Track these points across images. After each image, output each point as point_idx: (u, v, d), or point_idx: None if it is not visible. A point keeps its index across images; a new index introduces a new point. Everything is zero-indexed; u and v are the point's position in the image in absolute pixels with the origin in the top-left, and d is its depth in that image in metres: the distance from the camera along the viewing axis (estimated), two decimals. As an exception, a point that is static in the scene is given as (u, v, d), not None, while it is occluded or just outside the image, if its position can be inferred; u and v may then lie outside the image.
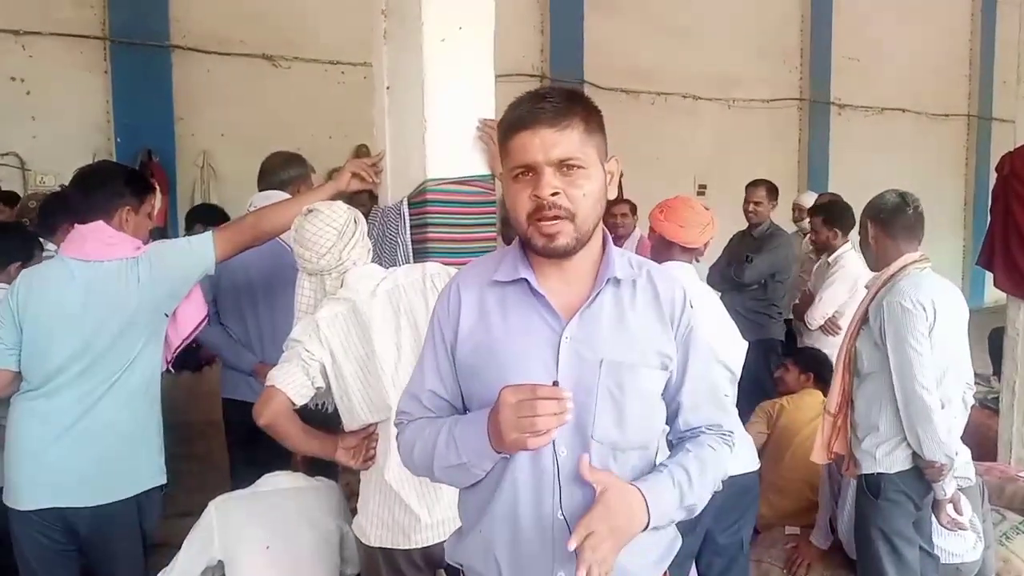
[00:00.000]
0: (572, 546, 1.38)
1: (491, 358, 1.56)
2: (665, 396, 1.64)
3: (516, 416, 1.36)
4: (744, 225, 5.68)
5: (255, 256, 3.14)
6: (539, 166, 1.46)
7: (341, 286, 2.37)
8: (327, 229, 2.36)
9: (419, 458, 1.61)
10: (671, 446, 1.69)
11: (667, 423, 1.68)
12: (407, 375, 2.24)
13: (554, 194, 1.46)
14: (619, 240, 6.01)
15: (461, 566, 1.69)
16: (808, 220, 5.53)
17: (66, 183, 2.91)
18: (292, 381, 2.25)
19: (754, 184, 5.57)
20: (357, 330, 2.30)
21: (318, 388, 2.30)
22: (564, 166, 1.46)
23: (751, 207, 5.47)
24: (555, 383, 1.38)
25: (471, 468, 1.52)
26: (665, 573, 1.67)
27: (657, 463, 1.62)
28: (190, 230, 5.24)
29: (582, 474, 1.43)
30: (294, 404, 2.25)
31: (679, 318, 1.61)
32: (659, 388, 1.60)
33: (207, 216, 5.30)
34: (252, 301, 3.35)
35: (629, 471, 1.55)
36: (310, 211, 2.42)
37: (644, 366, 1.56)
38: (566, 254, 1.51)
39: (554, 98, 1.48)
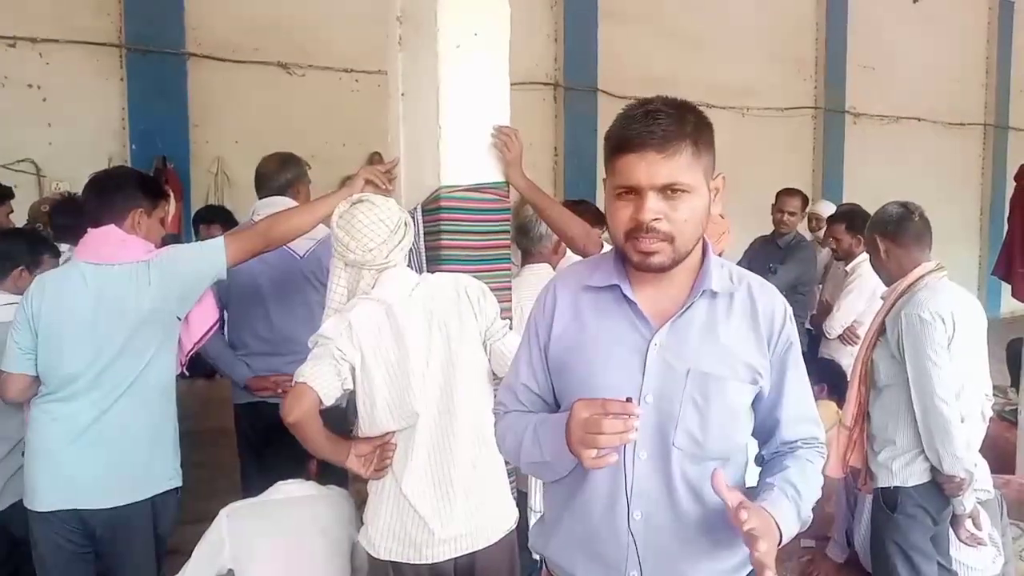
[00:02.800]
0: (743, 517, 1.37)
1: (581, 359, 1.60)
2: (759, 412, 1.64)
3: (583, 432, 1.40)
4: (757, 232, 5.63)
5: (263, 266, 3.14)
6: (643, 190, 1.46)
7: (373, 287, 2.32)
8: (379, 224, 2.30)
9: (510, 449, 1.70)
10: (761, 461, 1.70)
11: (760, 438, 1.68)
12: (435, 384, 2.25)
13: (655, 219, 1.47)
14: None
15: (545, 558, 1.74)
16: (827, 229, 5.46)
17: (80, 190, 2.91)
18: (323, 380, 2.19)
19: (789, 193, 5.47)
20: (390, 333, 2.25)
21: (347, 390, 2.24)
22: (668, 190, 1.46)
23: (784, 216, 5.37)
24: (628, 399, 1.39)
25: (553, 467, 1.59)
26: None
27: (743, 477, 1.65)
28: (197, 232, 5.26)
29: (716, 488, 1.44)
30: (322, 404, 2.19)
31: (777, 334, 1.61)
32: (746, 401, 1.60)
33: (214, 217, 5.33)
34: (264, 311, 3.34)
35: (707, 480, 1.55)
36: (360, 200, 2.36)
37: (732, 379, 1.56)
38: (661, 271, 1.53)
39: (664, 119, 1.46)
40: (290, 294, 3.30)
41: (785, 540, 1.48)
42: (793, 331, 1.64)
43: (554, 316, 1.66)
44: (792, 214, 5.37)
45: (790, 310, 1.65)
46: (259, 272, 3.27)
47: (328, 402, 2.21)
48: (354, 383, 2.25)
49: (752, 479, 1.70)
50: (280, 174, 3.38)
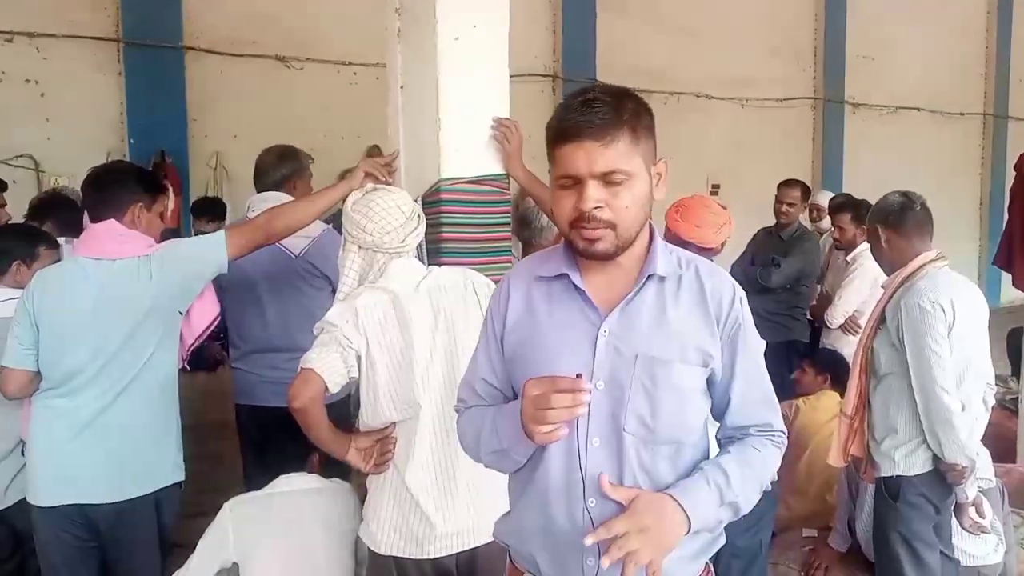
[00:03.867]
0: (588, 541, 1.43)
1: (534, 349, 1.62)
2: (713, 395, 1.66)
3: (534, 408, 1.43)
4: (758, 224, 5.62)
5: (256, 264, 3.12)
6: (583, 178, 1.49)
7: (381, 275, 2.33)
8: (396, 209, 2.36)
9: (470, 443, 1.71)
10: (720, 444, 1.71)
11: (716, 420, 1.70)
12: (438, 375, 2.25)
13: (597, 207, 1.49)
14: None
15: (507, 546, 1.75)
16: (829, 218, 5.44)
17: (79, 185, 2.90)
18: (330, 367, 2.18)
19: (788, 184, 5.45)
20: (395, 323, 2.25)
21: (352, 378, 2.24)
22: (607, 178, 1.49)
23: (784, 207, 5.35)
24: (578, 376, 1.42)
25: (511, 454, 1.61)
26: (707, 566, 1.69)
27: (702, 461, 1.65)
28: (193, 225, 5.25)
29: (605, 492, 1.48)
30: (327, 391, 2.19)
31: (726, 315, 1.62)
32: (697, 385, 1.61)
33: (210, 210, 5.31)
34: (260, 310, 3.33)
35: (662, 463, 1.59)
36: (376, 189, 2.43)
37: (681, 362, 1.57)
38: (606, 257, 1.55)
39: (601, 107, 1.48)
40: (285, 293, 3.28)
41: (699, 526, 1.51)
42: (744, 313, 1.64)
43: (508, 308, 1.68)
44: (792, 205, 5.34)
45: (740, 292, 1.66)
46: (253, 270, 3.25)
47: (334, 389, 2.20)
48: (359, 371, 2.24)
49: None
50: (276, 169, 3.36)
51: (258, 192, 3.36)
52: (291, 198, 3.18)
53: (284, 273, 3.26)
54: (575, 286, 1.60)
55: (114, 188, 2.62)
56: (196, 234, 3.04)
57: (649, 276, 1.59)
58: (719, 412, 1.68)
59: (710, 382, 1.63)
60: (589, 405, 1.50)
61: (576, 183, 1.50)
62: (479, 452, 1.68)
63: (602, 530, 1.42)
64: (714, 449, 1.71)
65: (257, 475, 3.16)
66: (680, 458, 1.60)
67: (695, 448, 1.65)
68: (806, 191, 5.51)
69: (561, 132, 1.50)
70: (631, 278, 1.60)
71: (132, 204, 2.61)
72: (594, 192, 1.48)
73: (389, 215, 2.34)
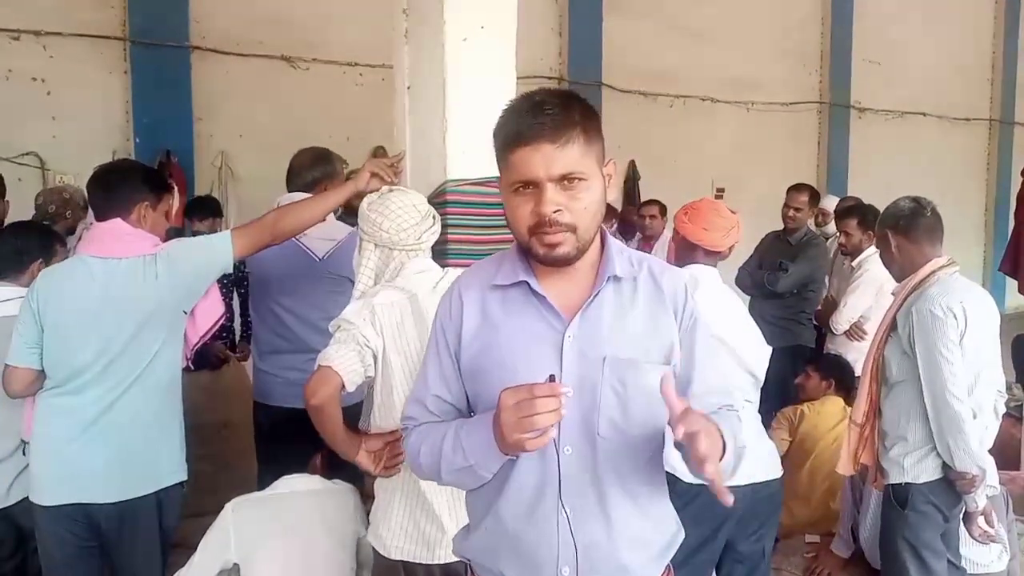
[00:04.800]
0: (678, 435, 1.36)
1: (495, 360, 1.58)
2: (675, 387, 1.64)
3: (516, 417, 1.38)
4: (763, 227, 5.61)
5: (282, 265, 3.13)
6: (541, 183, 1.46)
7: (399, 274, 2.32)
8: (412, 208, 2.38)
9: (425, 462, 1.63)
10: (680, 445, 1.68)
11: None
12: None
13: (556, 211, 1.47)
14: (648, 241, 5.97)
15: (469, 562, 1.71)
16: (835, 223, 5.41)
17: (85, 184, 2.90)
18: (348, 365, 2.16)
19: (797, 188, 5.40)
20: (412, 323, 2.24)
21: (368, 376, 2.22)
22: (565, 180, 1.47)
23: (791, 212, 5.31)
24: (551, 377, 1.39)
25: (478, 471, 1.54)
26: (667, 568, 1.67)
27: (661, 459, 1.63)
28: (203, 222, 5.21)
29: (665, 394, 1.40)
30: (344, 388, 2.17)
31: (682, 310, 1.63)
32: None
33: (205, 210, 5.27)
34: (280, 313, 3.33)
35: (629, 465, 1.57)
36: (391, 190, 2.46)
37: (647, 361, 1.56)
38: (567, 263, 1.53)
39: (553, 109, 1.47)
40: (308, 295, 3.26)
41: (727, 460, 1.47)
42: (696, 307, 1.66)
43: (463, 320, 1.63)
44: (799, 209, 5.30)
45: (690, 287, 1.67)
46: (276, 272, 3.26)
47: (351, 388, 2.19)
48: (375, 370, 2.23)
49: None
50: (309, 171, 3.33)
51: (288, 192, 3.34)
52: None
53: (307, 276, 3.24)
54: (535, 292, 1.57)
55: (120, 187, 2.62)
56: (192, 234, 3.02)
57: (608, 278, 1.57)
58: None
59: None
60: None
61: (533, 187, 1.47)
62: (438, 471, 1.60)
63: (679, 429, 1.36)
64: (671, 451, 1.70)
65: (269, 474, 3.18)
66: (649, 459, 1.59)
67: (658, 449, 1.62)
68: (815, 196, 5.48)
69: (515, 136, 1.48)
70: (588, 281, 1.58)
71: (138, 203, 2.61)
72: (553, 195, 1.46)
73: (405, 213, 2.36)
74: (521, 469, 1.56)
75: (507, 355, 1.57)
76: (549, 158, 1.45)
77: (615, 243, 1.63)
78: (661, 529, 1.65)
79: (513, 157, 1.48)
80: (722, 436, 1.44)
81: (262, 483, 3.05)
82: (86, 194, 2.90)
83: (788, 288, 5.04)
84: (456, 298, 1.66)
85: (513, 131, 1.48)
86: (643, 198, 8.93)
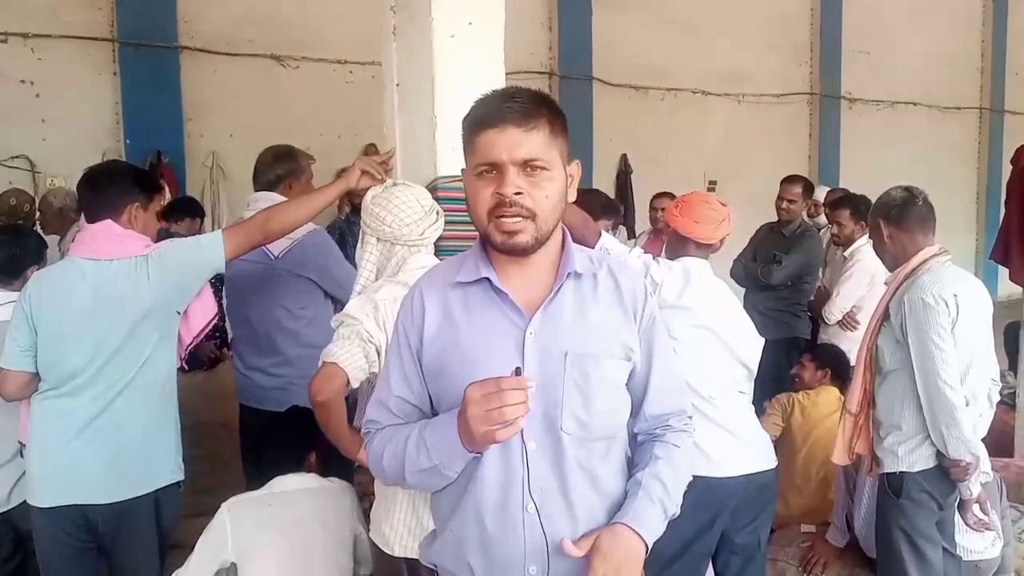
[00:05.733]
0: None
1: (458, 358, 1.58)
2: (631, 387, 1.67)
3: (484, 410, 1.39)
4: (756, 220, 5.61)
5: (242, 265, 3.12)
6: (504, 165, 1.48)
7: (400, 269, 2.32)
8: (415, 203, 2.39)
9: (388, 465, 1.61)
10: (633, 439, 1.72)
11: (632, 414, 1.69)
12: None
13: (517, 193, 1.48)
14: (659, 234, 5.97)
15: (435, 566, 1.71)
16: (826, 214, 5.40)
17: (75, 186, 2.90)
18: (352, 361, 2.16)
19: (791, 180, 5.39)
20: None
21: (372, 373, 2.21)
22: (528, 166, 1.49)
23: (785, 204, 5.29)
24: (517, 369, 1.41)
25: (442, 470, 1.54)
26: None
27: (624, 453, 1.68)
28: (179, 223, 5.13)
29: (569, 553, 1.49)
30: (349, 385, 2.17)
31: (641, 309, 1.65)
32: (623, 378, 1.64)
33: (181, 212, 5.20)
34: (245, 313, 3.36)
35: (596, 460, 1.60)
36: (395, 184, 2.46)
37: (608, 356, 1.59)
38: (525, 252, 1.54)
39: (522, 98, 1.50)
40: (267, 294, 3.27)
41: (652, 544, 1.54)
42: (655, 306, 1.70)
43: (424, 319, 1.62)
44: (792, 201, 5.28)
45: (650, 286, 1.70)
46: (238, 271, 3.25)
47: (355, 384, 2.19)
48: (379, 366, 2.22)
49: None
50: (271, 169, 3.36)
51: (255, 191, 3.36)
52: (283, 198, 3.18)
53: (265, 274, 3.26)
54: (495, 289, 1.57)
55: (110, 188, 2.61)
56: (169, 235, 3.01)
57: (568, 274, 1.59)
58: (636, 404, 1.69)
59: (630, 375, 1.66)
60: None
61: (496, 171, 1.49)
62: (401, 472, 1.58)
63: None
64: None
65: (252, 474, 3.18)
66: (611, 453, 1.63)
67: (622, 441, 1.68)
68: (808, 187, 5.47)
69: (482, 119, 1.50)
70: (549, 278, 1.60)
71: (129, 204, 2.61)
72: (515, 178, 1.48)
73: (408, 208, 2.36)
74: (486, 467, 1.55)
75: (469, 353, 1.57)
76: (514, 141, 1.47)
77: (573, 243, 1.65)
78: None
79: (479, 139, 1.50)
80: (644, 540, 1.52)
81: (248, 483, 3.06)
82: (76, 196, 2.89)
83: (783, 280, 5.05)
84: (417, 298, 1.65)
85: (481, 114, 1.51)
86: (635, 192, 8.97)
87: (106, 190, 2.61)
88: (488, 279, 1.58)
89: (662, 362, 1.69)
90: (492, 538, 1.57)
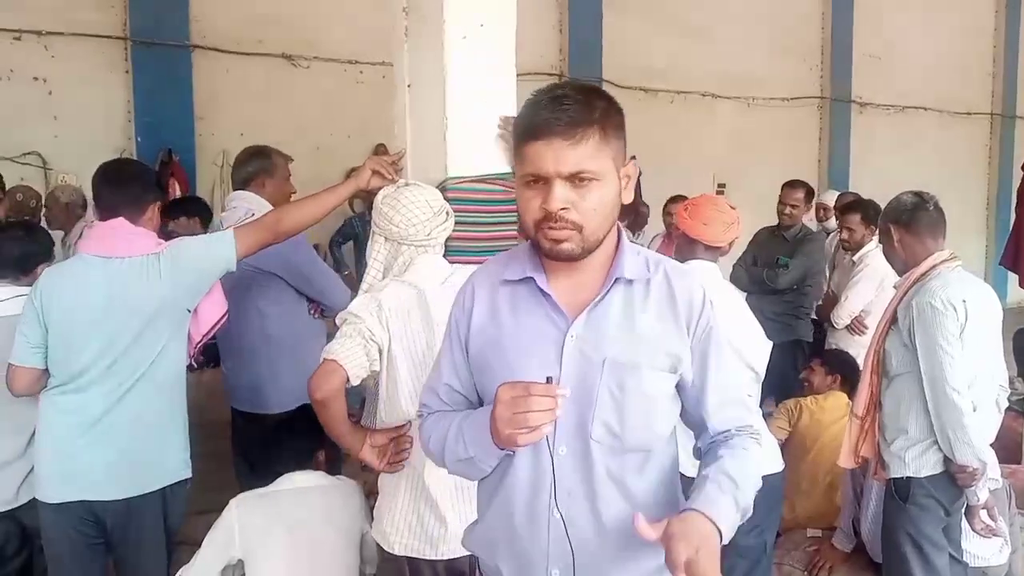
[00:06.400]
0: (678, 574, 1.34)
1: (499, 354, 1.59)
2: (686, 401, 1.62)
3: (510, 413, 1.40)
4: (764, 223, 5.60)
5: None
6: (550, 178, 1.45)
7: (407, 269, 2.32)
8: (424, 204, 2.38)
9: (435, 450, 1.66)
10: (699, 454, 1.67)
11: (693, 429, 1.66)
12: None
13: (564, 208, 1.45)
14: (672, 238, 5.97)
15: (474, 555, 1.74)
16: (837, 219, 5.39)
17: (86, 183, 2.90)
18: (353, 359, 2.16)
19: (792, 185, 5.40)
20: (419, 318, 2.24)
21: (373, 371, 2.22)
22: (575, 178, 1.45)
23: (788, 209, 5.30)
24: (548, 379, 1.40)
25: (477, 463, 1.57)
26: None
27: (671, 468, 1.62)
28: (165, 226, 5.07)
29: (641, 533, 1.39)
30: (349, 383, 2.17)
31: (696, 319, 1.58)
32: (665, 390, 1.58)
33: (180, 211, 5.13)
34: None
35: (630, 472, 1.56)
36: (407, 184, 2.46)
37: (649, 367, 1.54)
38: (571, 259, 1.51)
39: (571, 105, 1.44)
40: (236, 293, 3.25)
41: (726, 537, 1.44)
42: (713, 315, 1.60)
43: (472, 313, 1.64)
44: (795, 207, 5.30)
45: (709, 294, 1.62)
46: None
47: (355, 382, 2.19)
48: (380, 365, 2.23)
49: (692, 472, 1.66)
50: (243, 167, 3.39)
51: (233, 190, 3.41)
52: (258, 196, 3.24)
53: (238, 277, 3.22)
54: (541, 290, 1.56)
55: (135, 185, 2.64)
56: (169, 235, 3.01)
57: (616, 279, 1.55)
58: (696, 419, 1.64)
59: (681, 387, 1.60)
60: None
61: (543, 182, 1.45)
62: (444, 460, 1.64)
63: (669, 564, 1.35)
64: (682, 456, 1.68)
65: (242, 474, 3.20)
66: (648, 466, 1.58)
67: (663, 455, 1.62)
68: (810, 192, 5.48)
69: (529, 129, 1.46)
70: (598, 281, 1.56)
71: (152, 202, 2.65)
72: (561, 192, 1.44)
73: (417, 209, 2.36)
74: (517, 466, 1.57)
75: (510, 351, 1.57)
76: (560, 154, 1.43)
77: (630, 244, 1.61)
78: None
79: (526, 150, 1.47)
80: (716, 526, 1.41)
81: (240, 483, 3.07)
82: (87, 192, 2.91)
83: (789, 284, 5.05)
84: (469, 291, 1.67)
85: (528, 124, 1.47)
86: (644, 195, 8.96)
87: (130, 187, 2.63)
88: (534, 279, 1.57)
89: (720, 375, 1.61)
90: (519, 536, 1.59)
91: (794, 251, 5.17)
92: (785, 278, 5.02)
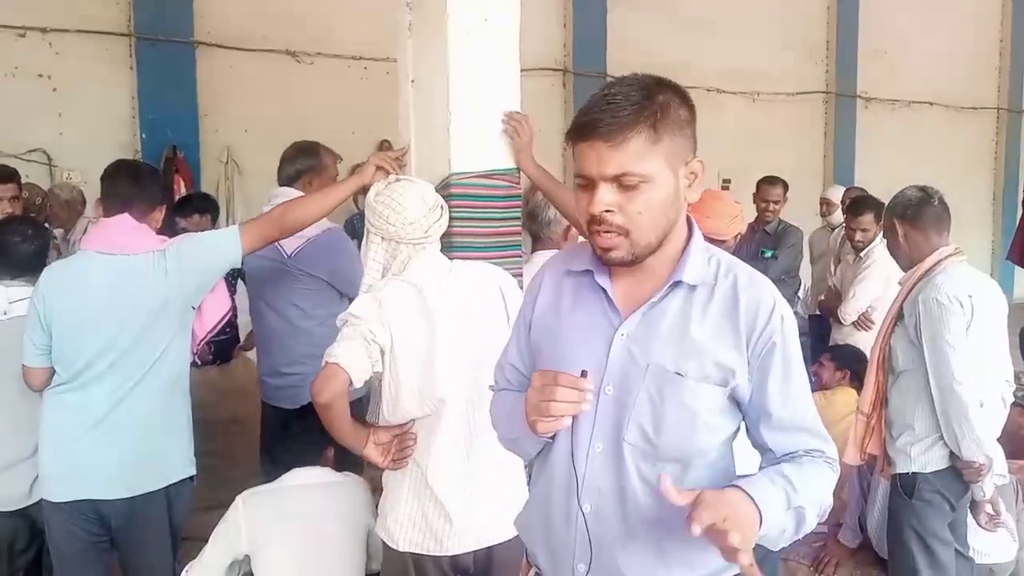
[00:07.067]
0: (696, 532, 1.27)
1: (552, 342, 1.60)
2: (747, 418, 1.55)
3: (537, 399, 1.42)
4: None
5: (257, 262, 3.15)
6: (594, 180, 1.41)
7: (406, 268, 2.31)
8: (419, 200, 2.34)
9: (496, 426, 1.75)
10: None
11: (757, 449, 1.58)
12: (462, 371, 2.23)
13: (607, 211, 1.41)
14: None
15: (521, 537, 1.77)
16: (846, 217, 5.37)
17: (91, 180, 2.91)
18: (355, 361, 2.15)
19: (771, 182, 5.60)
20: (420, 316, 2.22)
21: (376, 372, 2.21)
22: (619, 181, 1.40)
23: (769, 205, 5.54)
24: (583, 373, 1.39)
25: (522, 444, 1.64)
26: None
27: (711, 484, 1.52)
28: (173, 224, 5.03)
29: (666, 494, 1.32)
30: (352, 385, 2.16)
31: (759, 332, 1.48)
32: (713, 404, 1.49)
33: (190, 208, 5.10)
34: (259, 311, 3.38)
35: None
36: (399, 179, 2.43)
37: (694, 379, 1.47)
38: (623, 265, 1.47)
39: (620, 103, 1.39)
40: (281, 291, 3.28)
41: (771, 527, 1.36)
42: (784, 330, 1.49)
43: (538, 298, 1.67)
44: (776, 202, 5.56)
45: (782, 309, 1.51)
46: (255, 268, 3.28)
47: (358, 384, 2.18)
48: (383, 365, 2.22)
49: None
50: (291, 164, 3.35)
51: (279, 185, 3.36)
52: (300, 194, 3.17)
53: (278, 272, 3.26)
54: (598, 284, 1.54)
55: (153, 185, 2.67)
56: (179, 232, 3.02)
57: (676, 283, 1.50)
58: (756, 440, 1.55)
59: (739, 403, 1.52)
60: (597, 409, 1.48)
61: (590, 183, 1.42)
62: (501, 436, 1.73)
63: (694, 526, 1.27)
64: (740, 470, 1.60)
65: (268, 469, 3.20)
66: (687, 478, 1.49)
67: (710, 469, 1.53)
68: (786, 187, 5.71)
69: (576, 128, 1.43)
70: (660, 281, 1.51)
71: (163, 205, 2.68)
72: (604, 195, 1.40)
73: (412, 205, 2.32)
74: (554, 457, 1.59)
75: (563, 341, 1.58)
76: (602, 157, 1.39)
77: (700, 246, 1.53)
78: (690, 557, 1.49)
79: (576, 149, 1.44)
80: (756, 505, 1.34)
81: (265, 479, 3.07)
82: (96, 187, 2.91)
83: (779, 275, 5.18)
84: (539, 277, 1.70)
85: (576, 123, 1.43)
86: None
87: (148, 185, 2.65)
88: (592, 272, 1.55)
89: (782, 396, 1.50)
90: (552, 525, 1.60)
91: (778, 243, 5.41)
92: (775, 269, 5.18)
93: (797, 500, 1.42)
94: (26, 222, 3.18)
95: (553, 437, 1.54)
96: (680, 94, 1.48)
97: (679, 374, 1.47)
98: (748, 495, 1.36)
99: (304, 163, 3.34)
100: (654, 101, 1.41)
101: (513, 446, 1.70)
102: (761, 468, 1.55)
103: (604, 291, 1.54)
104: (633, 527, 1.51)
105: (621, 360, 1.50)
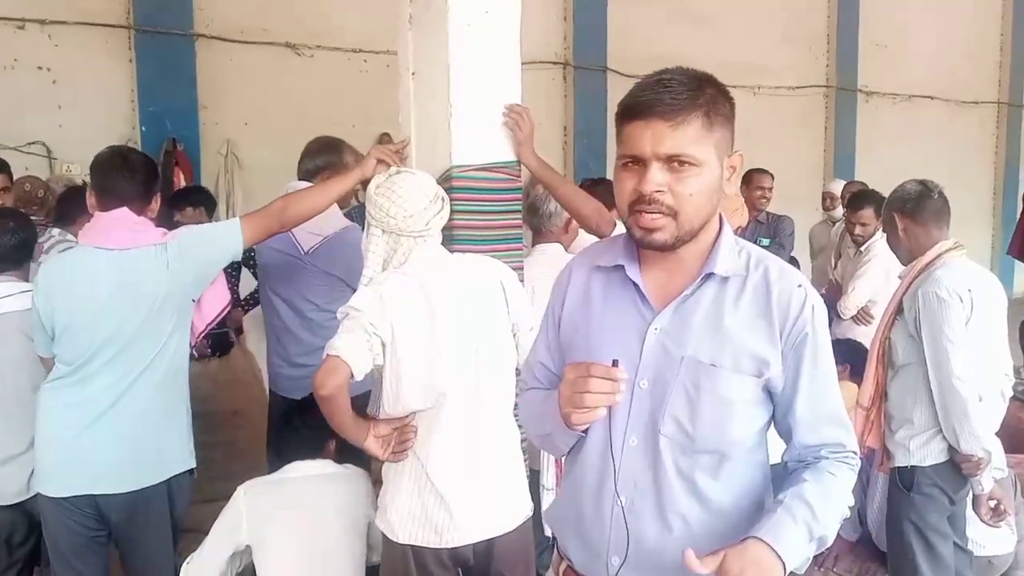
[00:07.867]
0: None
1: (584, 339, 1.60)
2: (776, 409, 1.56)
3: (570, 391, 1.41)
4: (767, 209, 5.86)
5: (272, 256, 3.15)
6: (647, 160, 1.41)
7: (407, 260, 2.31)
8: (419, 192, 2.33)
9: (527, 424, 1.77)
10: (787, 467, 1.62)
11: (783, 438, 1.60)
12: (463, 364, 2.24)
13: (658, 191, 1.41)
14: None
15: (552, 531, 1.77)
16: (848, 212, 5.38)
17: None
18: (356, 354, 2.15)
19: (761, 172, 5.76)
20: (421, 309, 2.22)
21: (377, 364, 2.21)
22: (674, 162, 1.41)
23: (765, 193, 5.74)
24: (614, 362, 1.39)
25: (555, 440, 1.62)
26: None
27: (753, 474, 1.57)
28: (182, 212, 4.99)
29: (691, 568, 1.33)
30: (353, 378, 2.17)
31: (792, 323, 1.50)
32: (747, 396, 1.51)
33: (185, 201, 5.05)
34: (274, 307, 3.37)
35: (701, 472, 1.52)
36: (399, 172, 2.41)
37: (729, 370, 1.48)
38: (663, 249, 1.47)
39: (676, 87, 1.41)
40: (295, 287, 3.29)
41: (792, 566, 1.38)
42: (815, 322, 1.51)
43: (566, 296, 1.66)
44: (769, 189, 5.79)
45: (814, 300, 1.52)
46: (270, 262, 3.28)
47: (359, 376, 2.18)
48: (384, 358, 2.22)
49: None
50: (312, 159, 3.33)
51: (298, 179, 3.33)
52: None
53: (292, 267, 3.27)
54: (630, 279, 1.54)
55: (143, 175, 2.62)
56: (175, 226, 3.00)
57: (708, 275, 1.50)
58: (785, 429, 1.57)
59: (772, 394, 1.53)
60: (631, 403, 1.49)
61: (640, 164, 1.42)
62: (532, 434, 1.74)
63: None
64: (773, 460, 1.63)
65: (275, 459, 3.21)
66: (723, 469, 1.52)
67: (746, 460, 1.55)
68: (772, 178, 5.90)
69: (630, 109, 1.43)
70: (691, 274, 1.52)
71: (158, 191, 2.67)
72: (657, 175, 1.40)
73: (412, 197, 2.31)
74: (588, 450, 1.59)
75: (594, 336, 1.57)
76: (659, 135, 1.39)
77: (731, 239, 1.55)
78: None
79: (626, 130, 1.44)
80: (780, 559, 1.36)
81: (271, 470, 3.08)
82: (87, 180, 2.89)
83: None
84: (566, 274, 1.69)
85: (628, 104, 1.44)
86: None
87: (139, 176, 2.61)
88: (624, 267, 1.55)
89: (814, 387, 1.52)
90: (585, 518, 1.60)
91: (774, 232, 5.57)
92: (780, 257, 5.20)
93: (819, 530, 1.45)
94: (8, 214, 3.14)
95: (586, 431, 1.54)
96: (724, 90, 1.49)
97: (714, 365, 1.48)
98: (770, 546, 1.37)
99: (325, 159, 3.31)
100: (706, 91, 1.44)
101: (545, 442, 1.69)
102: (784, 462, 1.59)
103: (636, 285, 1.54)
104: (669, 520, 1.53)
105: (655, 354, 1.51)
